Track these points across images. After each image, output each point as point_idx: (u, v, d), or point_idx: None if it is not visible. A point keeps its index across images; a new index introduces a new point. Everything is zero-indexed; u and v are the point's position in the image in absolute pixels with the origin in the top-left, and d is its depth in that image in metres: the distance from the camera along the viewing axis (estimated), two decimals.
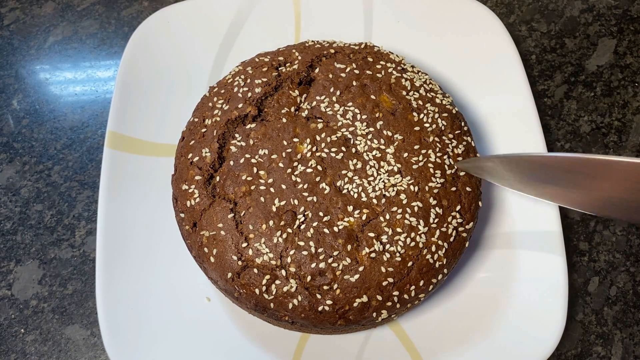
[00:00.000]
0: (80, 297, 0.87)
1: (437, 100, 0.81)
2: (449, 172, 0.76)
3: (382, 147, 0.76)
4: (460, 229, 0.74)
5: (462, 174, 0.77)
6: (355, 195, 0.73)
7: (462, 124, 0.81)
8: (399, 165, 0.75)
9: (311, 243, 0.70)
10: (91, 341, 0.85)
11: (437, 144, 0.77)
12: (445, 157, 0.76)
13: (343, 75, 0.81)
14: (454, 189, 0.75)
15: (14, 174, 0.96)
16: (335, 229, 0.71)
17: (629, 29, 1.07)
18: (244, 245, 0.71)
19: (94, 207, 0.93)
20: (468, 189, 0.76)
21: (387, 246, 0.70)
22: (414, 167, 0.75)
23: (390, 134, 0.76)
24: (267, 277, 0.70)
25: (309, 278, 0.69)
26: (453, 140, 0.78)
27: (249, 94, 0.79)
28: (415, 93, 0.81)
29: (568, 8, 1.09)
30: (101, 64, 1.06)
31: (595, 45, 1.06)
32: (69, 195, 0.94)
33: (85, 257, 0.90)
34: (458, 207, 0.75)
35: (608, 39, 1.06)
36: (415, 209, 0.72)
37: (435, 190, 0.74)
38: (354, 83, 0.80)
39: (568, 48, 1.06)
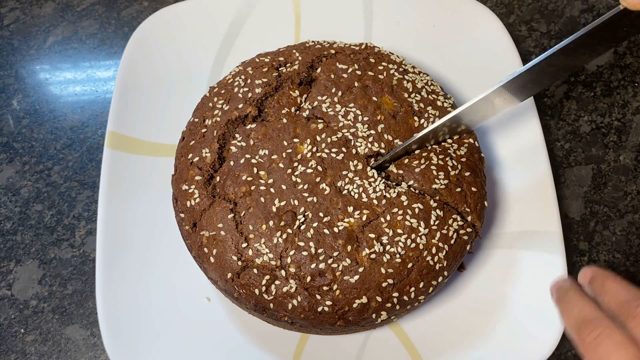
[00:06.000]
0: (80, 297, 0.87)
1: (439, 103, 0.81)
2: (452, 173, 0.76)
3: (383, 151, 0.76)
4: (462, 231, 0.74)
5: (467, 174, 0.76)
6: (356, 196, 0.73)
7: None
8: (400, 172, 0.75)
9: (311, 244, 0.70)
10: (91, 341, 0.85)
11: (438, 147, 0.77)
12: (447, 159, 0.76)
13: (345, 75, 0.81)
14: (458, 189, 0.75)
15: (14, 174, 0.96)
16: (336, 229, 0.71)
17: None
18: (244, 245, 0.71)
19: (94, 207, 0.93)
20: (473, 189, 0.76)
21: (387, 247, 0.70)
22: (416, 170, 0.75)
23: (390, 138, 0.76)
24: (267, 277, 0.70)
25: (308, 279, 0.69)
26: (454, 143, 0.78)
27: (249, 94, 0.79)
28: (417, 95, 0.80)
29: (568, 8, 1.09)
30: (101, 64, 1.06)
31: None
32: (69, 195, 0.94)
33: (85, 257, 0.90)
34: (463, 208, 0.75)
35: None
36: (416, 210, 0.72)
37: (439, 192, 0.74)
38: (356, 84, 0.80)
39: None
